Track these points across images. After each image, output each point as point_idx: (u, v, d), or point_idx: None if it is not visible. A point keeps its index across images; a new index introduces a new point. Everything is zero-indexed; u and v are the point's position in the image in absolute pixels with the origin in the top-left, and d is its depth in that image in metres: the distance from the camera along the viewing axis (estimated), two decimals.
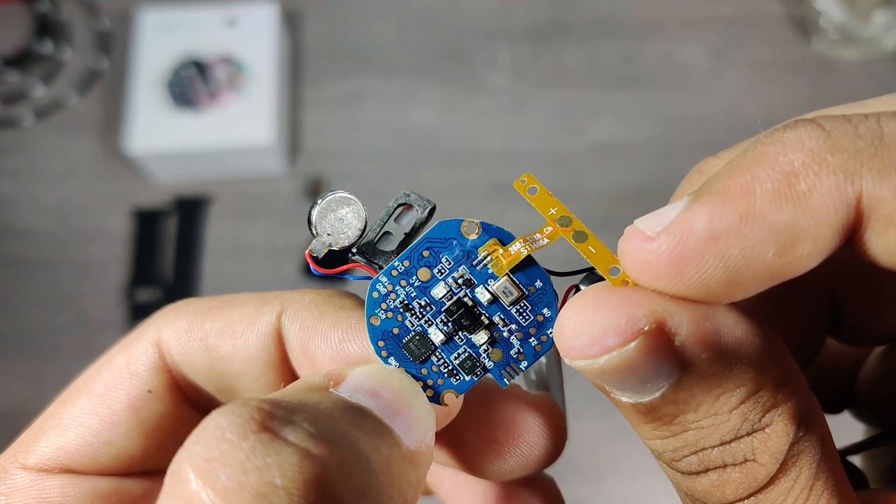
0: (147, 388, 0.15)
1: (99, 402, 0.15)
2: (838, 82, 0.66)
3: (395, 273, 0.15)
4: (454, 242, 0.15)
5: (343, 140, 0.64)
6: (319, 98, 0.66)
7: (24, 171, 0.63)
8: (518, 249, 0.14)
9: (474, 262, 0.15)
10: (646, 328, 0.13)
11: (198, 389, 0.15)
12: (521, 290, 0.15)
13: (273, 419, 0.12)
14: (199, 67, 0.60)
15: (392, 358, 0.15)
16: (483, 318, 0.15)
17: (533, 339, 0.15)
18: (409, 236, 0.15)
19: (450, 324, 0.15)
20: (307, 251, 0.15)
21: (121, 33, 0.68)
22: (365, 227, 0.16)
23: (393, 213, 0.16)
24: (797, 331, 0.17)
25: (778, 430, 0.13)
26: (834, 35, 0.66)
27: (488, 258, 0.15)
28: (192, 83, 0.60)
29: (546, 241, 0.15)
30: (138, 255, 0.60)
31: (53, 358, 0.57)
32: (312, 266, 0.15)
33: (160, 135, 0.58)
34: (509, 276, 0.15)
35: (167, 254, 0.60)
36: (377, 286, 0.16)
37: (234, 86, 0.60)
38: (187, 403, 0.15)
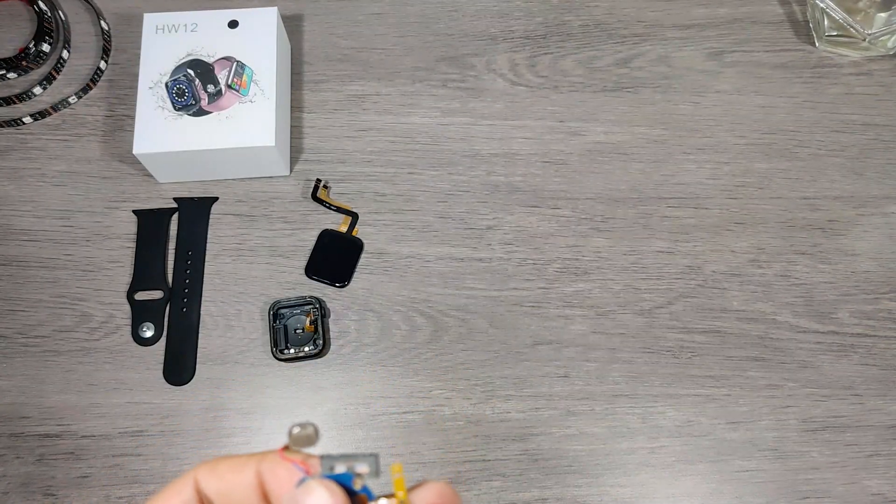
0: (185, 500, 0.24)
1: None
2: (838, 82, 0.66)
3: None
4: (347, 484, 0.23)
5: (343, 142, 0.64)
6: (320, 100, 0.66)
7: (24, 171, 0.63)
8: None
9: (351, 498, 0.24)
10: None
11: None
12: None
13: None
14: (200, 69, 0.60)
15: None
16: None
17: None
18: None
19: None
20: (280, 448, 0.24)
21: (121, 34, 0.68)
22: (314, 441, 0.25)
23: (355, 456, 0.24)
24: None
25: None
26: (833, 35, 0.66)
27: (357, 500, 0.23)
28: (192, 84, 0.60)
29: None
30: (139, 256, 0.60)
31: (54, 358, 0.57)
32: (281, 455, 0.24)
33: (160, 136, 0.58)
34: None
35: (169, 254, 0.60)
36: (306, 480, 0.24)
37: (234, 87, 0.60)
38: None
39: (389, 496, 0.24)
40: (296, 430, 0.24)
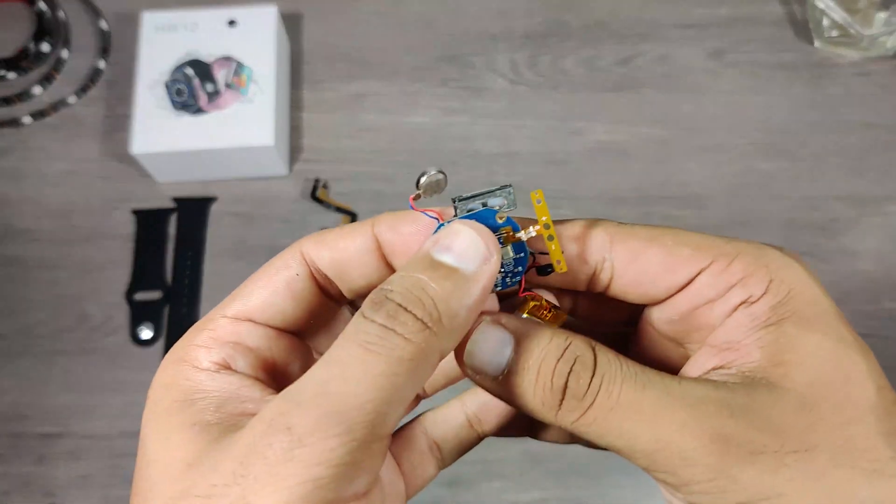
0: (296, 273, 0.24)
1: (268, 281, 0.24)
2: (838, 82, 0.66)
3: None
4: (490, 219, 0.23)
5: (343, 141, 0.64)
6: (319, 100, 0.66)
7: (24, 171, 0.63)
8: (519, 235, 0.24)
9: (496, 235, 0.23)
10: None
11: (324, 275, 0.25)
12: (513, 254, 0.24)
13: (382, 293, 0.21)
14: (199, 68, 0.60)
15: None
16: None
17: (509, 276, 0.24)
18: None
19: None
20: (411, 196, 0.23)
21: (120, 33, 0.68)
22: (442, 187, 0.24)
23: (488, 192, 0.24)
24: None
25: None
26: (834, 35, 0.66)
27: (502, 234, 0.23)
28: (191, 84, 0.60)
29: (533, 234, 0.23)
30: (139, 256, 0.60)
31: (54, 359, 0.57)
32: (411, 204, 0.24)
33: (160, 135, 0.58)
34: (509, 246, 0.24)
35: (168, 254, 0.60)
36: (442, 227, 0.24)
37: (233, 87, 0.60)
38: (318, 285, 0.25)
39: (535, 225, 0.23)
40: (424, 179, 0.23)
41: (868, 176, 0.63)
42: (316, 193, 0.61)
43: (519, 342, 0.22)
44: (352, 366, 0.19)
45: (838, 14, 0.64)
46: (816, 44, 0.68)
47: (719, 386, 0.21)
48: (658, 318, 0.25)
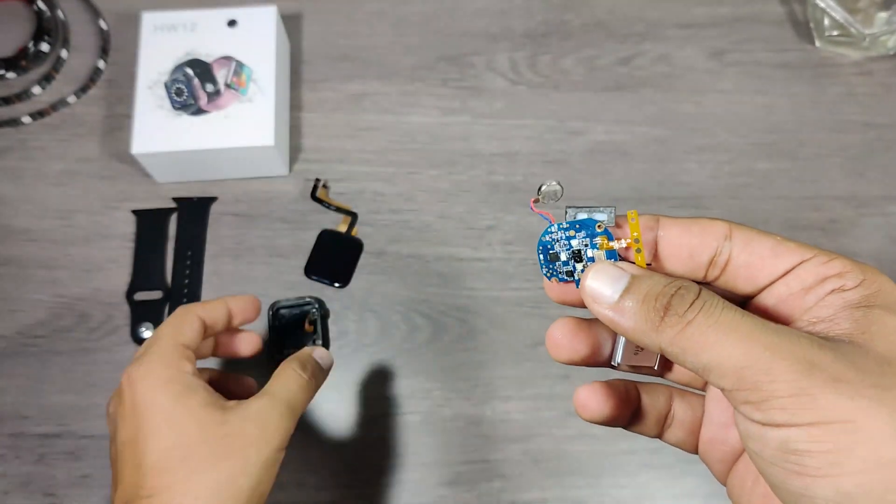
0: (201, 324, 0.44)
1: (192, 328, 0.44)
2: (839, 82, 0.66)
3: (564, 227, 0.30)
4: (591, 229, 0.29)
5: (343, 141, 0.64)
6: (319, 99, 0.66)
7: (24, 171, 0.63)
8: (612, 244, 0.28)
9: (593, 241, 0.29)
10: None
11: (205, 325, 0.46)
12: (606, 258, 0.29)
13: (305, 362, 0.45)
14: (199, 68, 0.60)
15: (542, 255, 0.30)
16: (586, 259, 0.29)
17: None
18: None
19: (571, 255, 0.30)
20: (532, 200, 0.30)
21: (120, 33, 0.68)
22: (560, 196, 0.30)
23: (596, 207, 0.29)
24: None
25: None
26: (835, 34, 0.66)
27: (599, 241, 0.29)
28: (191, 84, 0.60)
29: (624, 245, 0.28)
30: (138, 256, 0.60)
31: (53, 359, 0.57)
32: (532, 206, 0.30)
33: (160, 135, 0.58)
34: (603, 252, 0.29)
35: (168, 254, 0.60)
36: (552, 227, 0.30)
37: (233, 87, 0.60)
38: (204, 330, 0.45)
39: (627, 239, 0.28)
40: (544, 188, 0.29)
41: (869, 176, 0.63)
42: (316, 193, 0.61)
43: (632, 280, 0.26)
44: (295, 397, 0.42)
45: (839, 13, 0.64)
46: (817, 43, 0.67)
47: (810, 334, 0.24)
48: (755, 306, 0.28)
